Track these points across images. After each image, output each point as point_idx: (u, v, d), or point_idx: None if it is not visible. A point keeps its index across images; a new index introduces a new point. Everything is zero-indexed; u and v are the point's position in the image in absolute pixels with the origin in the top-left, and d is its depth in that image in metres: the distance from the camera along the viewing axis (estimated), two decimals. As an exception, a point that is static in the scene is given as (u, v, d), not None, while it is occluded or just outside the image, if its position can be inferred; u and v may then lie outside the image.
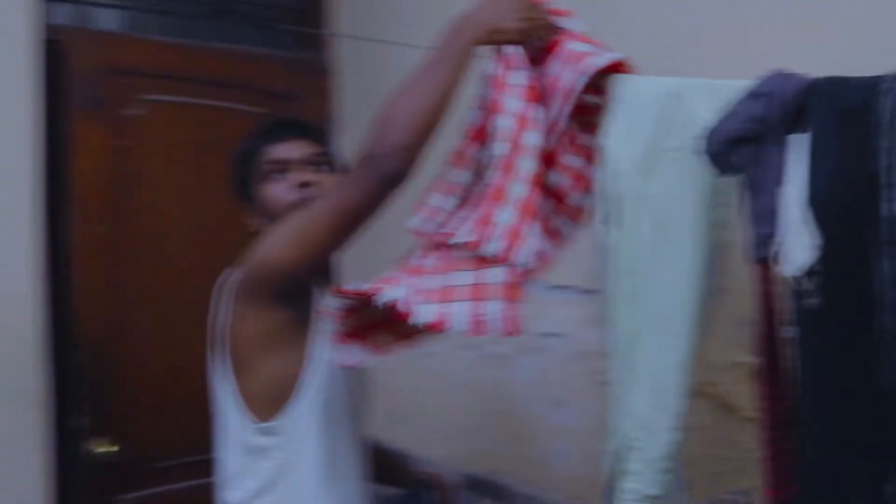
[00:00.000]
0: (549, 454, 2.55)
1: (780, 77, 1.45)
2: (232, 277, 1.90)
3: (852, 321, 1.36)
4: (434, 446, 2.95)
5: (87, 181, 2.88)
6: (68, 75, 2.87)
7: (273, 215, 1.89)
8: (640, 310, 1.59)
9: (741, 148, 1.46)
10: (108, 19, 3.15)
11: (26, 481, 2.77)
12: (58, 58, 2.88)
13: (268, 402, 1.85)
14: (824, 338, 1.41)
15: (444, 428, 2.91)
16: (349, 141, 3.39)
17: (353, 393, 1.99)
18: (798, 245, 1.36)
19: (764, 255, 1.43)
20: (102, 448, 2.86)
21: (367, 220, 1.70)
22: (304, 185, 1.92)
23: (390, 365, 3.04)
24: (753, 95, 1.46)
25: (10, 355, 2.75)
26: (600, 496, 1.67)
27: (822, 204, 1.37)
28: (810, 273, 1.37)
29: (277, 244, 1.74)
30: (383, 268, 1.69)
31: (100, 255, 2.90)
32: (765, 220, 1.43)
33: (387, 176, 1.61)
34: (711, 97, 1.53)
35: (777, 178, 1.42)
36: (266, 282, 1.78)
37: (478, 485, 2.76)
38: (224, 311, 1.91)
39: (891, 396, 1.31)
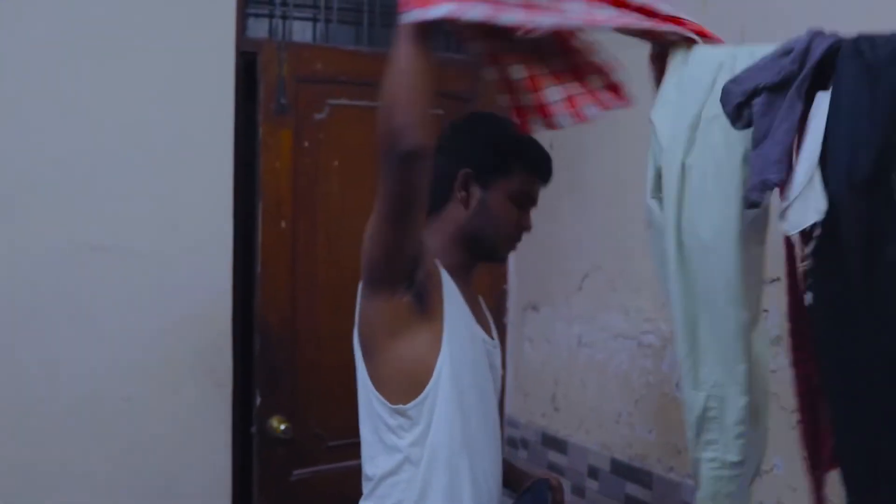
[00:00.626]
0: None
1: (812, 35, 1.41)
2: None
3: (858, 287, 1.31)
4: (592, 433, 2.99)
5: (272, 181, 3.13)
6: (260, 84, 3.12)
7: (487, 226, 2.02)
8: (690, 283, 1.61)
9: (759, 97, 1.42)
10: (301, 31, 3.41)
11: (213, 452, 3.05)
12: (253, 68, 3.16)
13: (401, 386, 1.89)
14: (832, 304, 1.37)
15: (600, 416, 2.94)
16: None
17: (485, 377, 2.01)
18: (801, 204, 1.33)
19: (758, 201, 1.41)
20: (279, 426, 3.08)
21: (417, 199, 1.76)
22: (526, 231, 2.10)
23: (555, 355, 3.15)
24: (782, 51, 1.43)
25: (208, 340, 3.04)
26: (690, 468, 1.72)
27: (835, 165, 1.32)
28: (809, 236, 1.34)
29: (365, 243, 1.86)
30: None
31: (282, 250, 3.14)
32: (769, 167, 1.38)
33: (406, 156, 1.67)
34: (753, 60, 1.50)
35: (790, 129, 1.38)
36: (368, 274, 1.89)
37: (626, 471, 2.78)
38: (357, 300, 1.99)
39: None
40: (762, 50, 1.49)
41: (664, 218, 1.63)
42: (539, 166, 2.08)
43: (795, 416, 2.17)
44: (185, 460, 3.03)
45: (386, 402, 1.89)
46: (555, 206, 3.23)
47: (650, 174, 1.70)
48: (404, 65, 1.65)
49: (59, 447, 2.90)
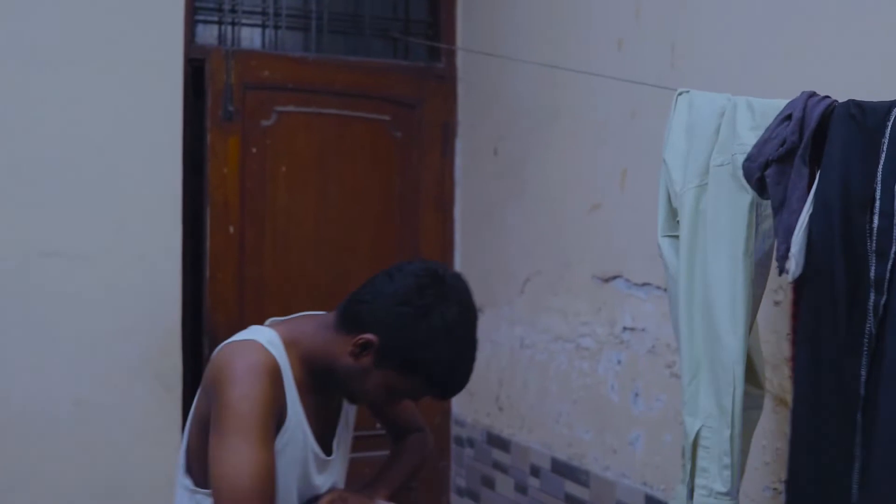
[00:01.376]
0: (626, 442, 2.63)
1: (807, 100, 1.54)
2: (213, 360, 1.77)
3: (841, 322, 1.42)
4: (534, 432, 3.07)
5: (220, 187, 3.19)
6: (208, 91, 3.17)
7: (357, 388, 1.80)
8: (697, 317, 1.74)
9: (769, 168, 1.55)
10: (250, 37, 3.46)
11: (163, 454, 3.07)
12: (201, 75, 3.21)
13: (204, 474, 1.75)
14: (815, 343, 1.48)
15: (541, 415, 3.03)
16: (469, 146, 3.56)
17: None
18: (797, 255, 1.47)
19: (786, 269, 1.54)
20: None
21: None
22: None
23: (499, 356, 3.23)
24: (782, 117, 1.55)
25: (158, 344, 3.09)
26: (682, 500, 1.83)
27: (822, 217, 1.46)
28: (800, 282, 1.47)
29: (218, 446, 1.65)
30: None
31: (230, 254, 3.20)
32: (785, 235, 1.52)
33: None
34: (752, 115, 1.66)
35: (801, 196, 1.51)
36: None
37: (565, 469, 2.86)
38: (198, 396, 1.84)
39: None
40: (759, 103, 1.65)
41: (678, 258, 1.78)
42: (442, 392, 1.80)
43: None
44: (135, 462, 3.08)
45: (191, 482, 1.81)
46: (498, 210, 3.31)
47: (662, 213, 1.84)
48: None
49: (9, 450, 2.94)
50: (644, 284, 2.57)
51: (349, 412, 1.97)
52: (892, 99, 1.43)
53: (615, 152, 2.70)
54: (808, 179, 1.51)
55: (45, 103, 2.97)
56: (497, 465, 3.28)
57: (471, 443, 3.47)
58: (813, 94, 1.54)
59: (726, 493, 1.74)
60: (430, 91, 3.54)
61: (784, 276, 1.55)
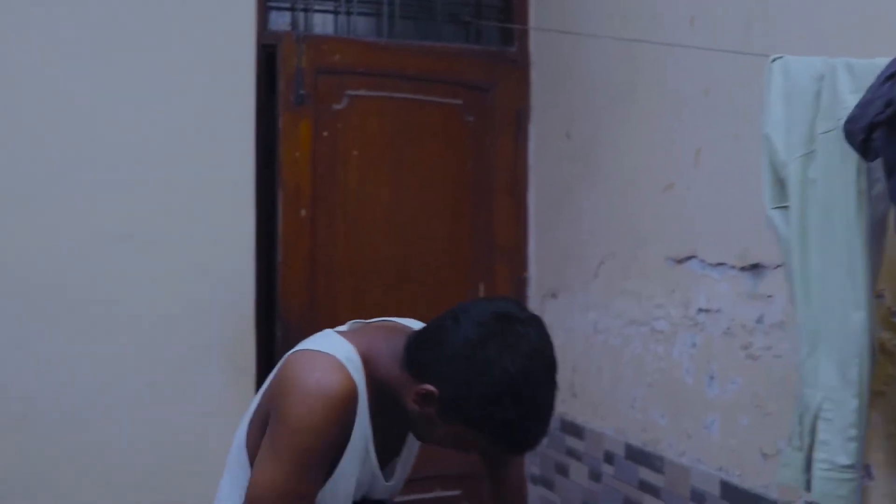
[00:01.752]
0: (701, 426, 2.56)
1: None
2: (288, 364, 1.69)
3: None
4: (607, 419, 3.02)
5: (292, 171, 3.19)
6: (280, 75, 3.18)
7: (432, 438, 1.68)
8: (815, 288, 1.70)
9: (877, 131, 1.50)
10: (323, 23, 3.46)
11: (234, 437, 3.11)
12: (274, 61, 3.23)
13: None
14: None
15: (615, 401, 2.97)
16: (542, 130, 3.51)
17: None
18: None
19: None
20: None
21: None
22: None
23: (572, 342, 3.18)
24: (884, 77, 1.49)
25: (231, 327, 3.11)
26: (797, 469, 1.78)
27: None
28: None
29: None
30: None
31: (302, 237, 3.21)
32: None
33: None
34: (853, 77, 1.61)
35: None
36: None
37: (639, 455, 2.80)
38: (265, 387, 1.79)
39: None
40: (858, 64, 1.60)
41: (790, 229, 1.74)
42: (512, 448, 1.66)
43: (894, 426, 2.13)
44: (209, 444, 3.09)
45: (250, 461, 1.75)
46: (571, 194, 3.26)
47: (767, 185, 1.81)
48: None
49: (88, 430, 2.99)
50: (719, 265, 2.50)
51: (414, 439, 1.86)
52: None
53: (689, 130, 2.64)
54: None
55: (121, 89, 3.01)
56: (571, 453, 3.23)
57: (544, 430, 3.42)
58: None
59: (850, 466, 1.70)
60: (503, 75, 3.51)
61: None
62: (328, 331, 1.77)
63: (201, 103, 3.08)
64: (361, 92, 3.29)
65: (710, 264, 2.54)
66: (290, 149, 3.19)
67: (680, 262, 2.66)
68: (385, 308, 3.21)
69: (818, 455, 1.72)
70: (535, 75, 3.56)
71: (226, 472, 1.85)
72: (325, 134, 3.23)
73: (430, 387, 1.58)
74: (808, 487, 1.77)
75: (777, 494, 2.27)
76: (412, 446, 1.87)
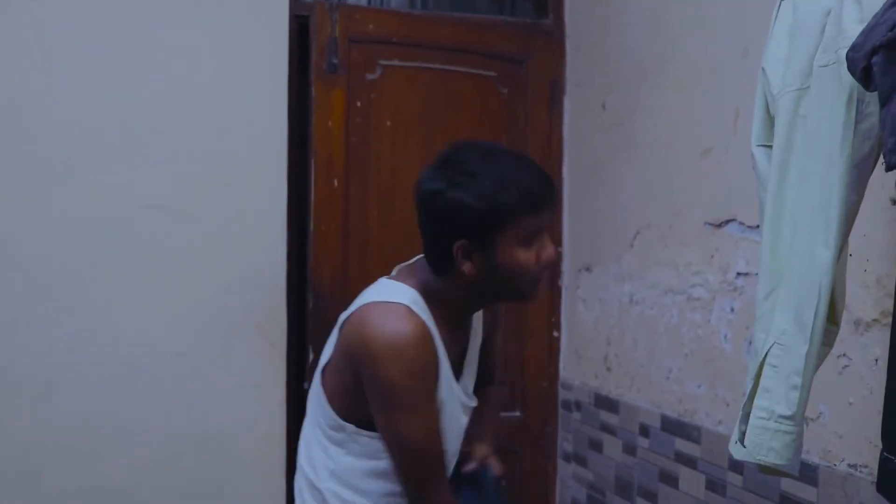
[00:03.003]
0: (739, 393, 2.50)
1: None
2: (360, 326, 1.79)
3: None
4: (643, 391, 2.97)
5: (324, 140, 3.17)
6: (313, 45, 3.17)
7: (505, 280, 1.82)
8: (786, 225, 1.58)
9: (877, 55, 1.42)
10: (357, -5, 3.44)
11: (267, 408, 3.10)
12: (307, 31, 3.21)
13: (357, 413, 1.84)
14: None
15: (650, 373, 2.92)
16: (577, 103, 3.47)
17: (451, 443, 1.96)
18: None
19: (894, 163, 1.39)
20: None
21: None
22: (550, 264, 1.88)
23: (607, 314, 3.14)
24: (893, 2, 1.42)
25: (263, 298, 3.10)
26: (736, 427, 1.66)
27: None
28: None
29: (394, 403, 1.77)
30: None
31: (334, 208, 3.18)
32: (895, 127, 1.38)
33: None
34: (860, 7, 1.49)
35: None
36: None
37: (675, 427, 2.75)
38: (333, 338, 1.91)
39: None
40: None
41: (771, 166, 1.62)
42: (534, 202, 1.79)
43: (842, 362, 2.15)
44: (239, 415, 3.09)
45: (333, 412, 1.88)
46: (606, 166, 3.22)
47: (757, 122, 1.70)
48: None
49: (117, 400, 2.98)
50: (757, 226, 2.44)
51: (473, 351, 2.01)
52: None
53: (727, 93, 2.59)
54: None
55: (151, 58, 3.00)
56: (605, 428, 3.18)
57: (578, 406, 3.38)
58: None
59: (789, 417, 1.53)
60: (538, 47, 3.47)
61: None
62: (383, 279, 1.89)
63: (234, 73, 3.07)
64: (395, 62, 3.26)
65: (749, 226, 2.48)
66: (322, 118, 3.17)
67: (718, 226, 2.61)
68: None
69: (758, 403, 1.57)
70: (569, 47, 3.52)
71: (308, 414, 2.00)
72: (359, 104, 3.21)
73: (457, 244, 1.75)
74: (742, 440, 1.61)
75: (818, 459, 2.22)
76: (472, 365, 2.00)
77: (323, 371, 1.90)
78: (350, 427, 1.85)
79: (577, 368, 3.41)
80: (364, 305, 1.80)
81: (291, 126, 3.15)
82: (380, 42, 3.25)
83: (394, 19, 3.29)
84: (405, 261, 1.95)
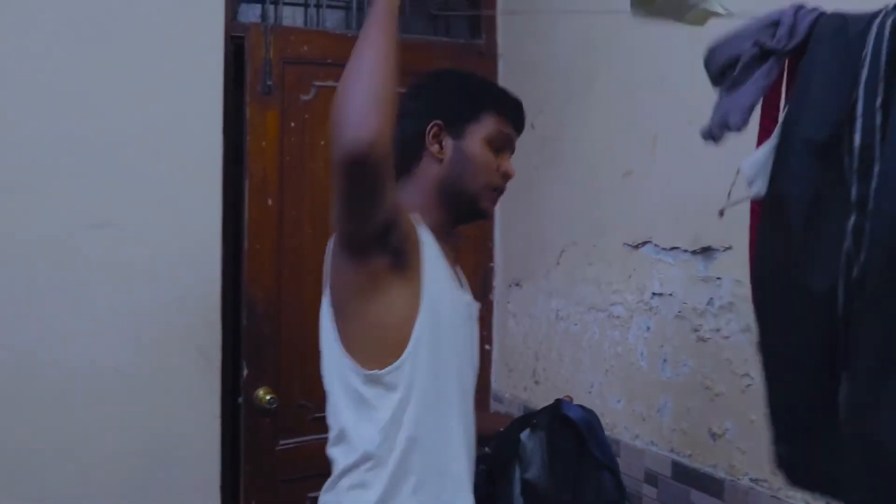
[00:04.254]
0: (654, 409, 2.60)
1: (797, 9, 1.50)
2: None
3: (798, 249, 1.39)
4: (567, 409, 3.05)
5: (258, 160, 3.23)
6: (247, 66, 3.22)
7: (466, 174, 1.91)
8: None
9: (738, 64, 1.52)
10: (293, 16, 3.50)
11: (203, 423, 3.14)
12: (243, 52, 3.26)
13: (376, 352, 1.78)
14: (772, 262, 1.44)
15: (575, 387, 3.01)
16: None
17: (464, 340, 1.94)
18: (756, 160, 1.45)
19: (712, 137, 1.51)
20: (265, 397, 3.18)
21: (367, 193, 1.62)
22: (507, 178, 1.99)
23: (535, 329, 3.22)
24: (769, 22, 1.52)
25: (199, 315, 3.14)
26: None
27: (800, 128, 1.41)
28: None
29: (333, 208, 1.71)
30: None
31: (268, 227, 3.23)
32: (735, 110, 1.49)
33: (350, 151, 1.54)
34: None
35: (763, 88, 1.48)
36: (339, 237, 1.79)
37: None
38: (327, 264, 1.91)
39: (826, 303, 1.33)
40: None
41: None
42: (510, 108, 2.02)
43: (746, 381, 2.25)
44: (176, 430, 3.13)
45: (360, 367, 1.79)
46: (536, 183, 3.30)
47: None
48: (374, 46, 1.66)
49: (54, 417, 3.01)
50: (672, 249, 2.55)
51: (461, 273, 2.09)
52: (877, 9, 1.38)
53: (646, 118, 2.68)
54: (774, 82, 1.48)
55: (88, 79, 3.03)
56: (534, 440, 3.26)
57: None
58: (801, 7, 1.50)
59: None
60: (471, 67, 3.52)
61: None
62: None
63: (170, 94, 3.11)
64: (330, 83, 3.32)
65: (664, 248, 2.58)
66: (256, 139, 3.22)
67: (636, 247, 2.71)
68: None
69: None
70: (502, 67, 3.60)
71: (334, 390, 1.90)
72: (293, 124, 3.26)
73: (429, 126, 1.92)
74: None
75: (724, 473, 2.32)
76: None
77: (337, 328, 1.85)
78: (381, 374, 1.78)
79: (507, 381, 3.50)
80: None
81: (228, 145, 3.20)
82: (314, 63, 3.30)
83: (329, 40, 3.36)
84: None
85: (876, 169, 1.28)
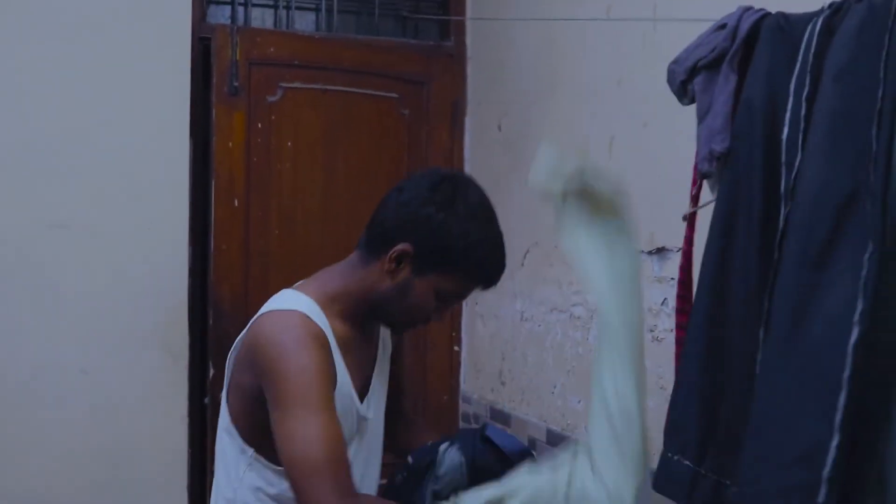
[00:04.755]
0: (611, 415, 2.61)
1: (743, 12, 1.55)
2: (256, 332, 1.74)
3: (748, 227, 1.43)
4: (532, 405, 3.07)
5: (225, 161, 3.25)
6: (214, 67, 3.24)
7: (400, 307, 1.80)
8: None
9: (698, 76, 1.56)
10: (262, 18, 3.51)
11: (170, 422, 3.16)
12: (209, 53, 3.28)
13: (248, 421, 1.78)
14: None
15: (538, 388, 3.02)
16: (477, 122, 3.57)
17: (357, 465, 1.82)
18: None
19: (709, 171, 1.54)
20: (231, 397, 3.19)
21: None
22: (432, 322, 1.89)
23: (501, 330, 3.23)
24: (717, 26, 1.56)
25: (165, 314, 3.16)
26: None
27: (744, 124, 1.47)
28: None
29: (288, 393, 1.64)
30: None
31: (234, 226, 3.26)
32: (713, 137, 1.53)
33: None
34: None
35: (727, 100, 1.53)
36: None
37: (559, 440, 2.86)
38: (233, 358, 1.84)
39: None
40: None
41: None
42: (486, 279, 1.83)
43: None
44: (142, 430, 3.14)
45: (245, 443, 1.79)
46: (502, 184, 3.31)
47: None
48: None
49: (18, 416, 3.03)
50: (630, 251, 2.56)
51: (383, 363, 1.95)
52: (816, 10, 1.43)
53: (604, 120, 2.70)
54: (735, 86, 1.51)
55: (56, 78, 3.05)
56: (500, 440, 3.27)
57: (476, 419, 3.48)
58: (749, 8, 1.55)
59: None
60: (440, 69, 3.57)
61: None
62: (283, 290, 1.84)
63: (137, 94, 3.13)
64: (296, 84, 3.33)
65: (620, 250, 2.59)
66: (223, 140, 3.23)
67: (595, 248, 2.72)
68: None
69: None
70: (471, 69, 3.62)
71: (218, 463, 1.86)
72: (259, 125, 3.28)
73: (400, 246, 1.72)
74: None
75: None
76: (382, 377, 1.94)
77: (227, 392, 1.83)
78: (250, 451, 1.78)
79: (475, 382, 3.51)
80: (261, 315, 1.77)
81: (196, 146, 3.22)
82: (281, 65, 3.32)
83: (296, 42, 3.37)
84: (303, 278, 1.92)
85: (797, 160, 1.30)
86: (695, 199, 1.71)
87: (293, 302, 1.76)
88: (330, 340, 1.75)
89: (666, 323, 2.38)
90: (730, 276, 1.49)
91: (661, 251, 2.42)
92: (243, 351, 1.78)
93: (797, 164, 1.33)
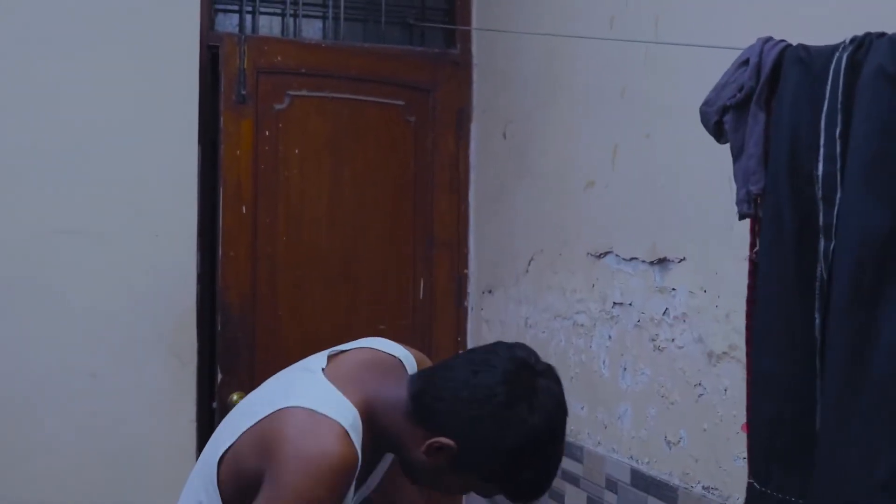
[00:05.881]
0: (615, 417, 2.65)
1: (763, 45, 1.56)
2: (286, 421, 1.54)
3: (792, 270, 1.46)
4: (534, 416, 3.09)
5: (233, 168, 3.29)
6: (222, 75, 3.27)
7: (427, 482, 1.69)
8: None
9: (727, 115, 1.58)
10: (270, 26, 3.55)
11: (178, 426, 3.20)
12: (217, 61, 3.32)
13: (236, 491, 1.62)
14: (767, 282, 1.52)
15: (540, 398, 3.05)
16: (483, 129, 3.60)
17: None
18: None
19: (748, 213, 1.56)
20: (239, 401, 3.22)
21: None
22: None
23: (506, 336, 3.26)
24: (740, 62, 1.59)
25: (174, 319, 3.20)
26: None
27: (777, 163, 1.49)
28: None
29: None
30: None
31: (242, 233, 3.29)
32: (749, 178, 1.56)
33: None
34: None
35: (759, 140, 1.54)
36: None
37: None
38: (244, 428, 1.62)
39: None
40: None
41: None
42: (526, 499, 1.67)
43: (698, 391, 2.29)
44: (150, 434, 3.18)
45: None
46: (507, 192, 3.35)
47: None
48: None
49: (27, 421, 3.07)
50: (632, 259, 2.59)
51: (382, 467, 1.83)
52: (838, 42, 1.44)
53: (608, 129, 2.73)
54: (765, 124, 1.53)
55: (66, 86, 3.09)
56: (504, 445, 3.31)
57: (482, 423, 3.51)
58: (769, 39, 1.56)
59: None
60: (445, 76, 3.60)
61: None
62: (321, 378, 1.64)
63: (146, 102, 3.17)
64: (303, 92, 3.37)
65: (625, 259, 2.62)
66: (231, 147, 3.27)
67: (598, 257, 2.75)
68: (326, 304, 3.33)
69: None
70: (476, 76, 3.65)
71: (187, 490, 1.72)
72: (267, 133, 3.32)
73: (447, 440, 1.56)
74: None
75: (678, 481, 2.36)
76: (377, 474, 1.83)
77: (227, 452, 1.63)
78: None
79: (481, 387, 3.53)
80: (295, 408, 1.55)
81: (204, 153, 3.25)
82: (288, 73, 3.36)
83: (303, 50, 3.41)
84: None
85: (838, 196, 1.35)
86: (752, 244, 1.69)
87: (333, 406, 1.56)
88: (358, 464, 1.56)
89: (667, 332, 2.41)
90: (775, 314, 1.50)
91: (662, 261, 2.44)
92: (260, 433, 1.58)
93: (837, 199, 1.36)
